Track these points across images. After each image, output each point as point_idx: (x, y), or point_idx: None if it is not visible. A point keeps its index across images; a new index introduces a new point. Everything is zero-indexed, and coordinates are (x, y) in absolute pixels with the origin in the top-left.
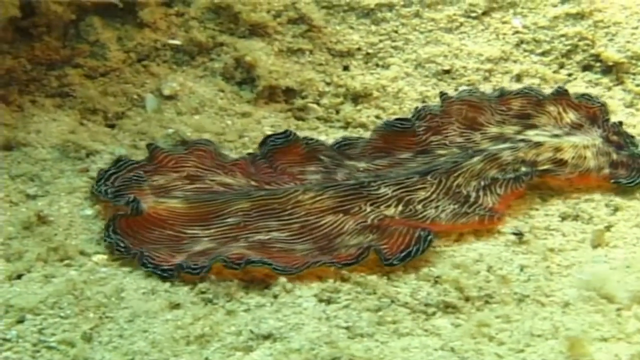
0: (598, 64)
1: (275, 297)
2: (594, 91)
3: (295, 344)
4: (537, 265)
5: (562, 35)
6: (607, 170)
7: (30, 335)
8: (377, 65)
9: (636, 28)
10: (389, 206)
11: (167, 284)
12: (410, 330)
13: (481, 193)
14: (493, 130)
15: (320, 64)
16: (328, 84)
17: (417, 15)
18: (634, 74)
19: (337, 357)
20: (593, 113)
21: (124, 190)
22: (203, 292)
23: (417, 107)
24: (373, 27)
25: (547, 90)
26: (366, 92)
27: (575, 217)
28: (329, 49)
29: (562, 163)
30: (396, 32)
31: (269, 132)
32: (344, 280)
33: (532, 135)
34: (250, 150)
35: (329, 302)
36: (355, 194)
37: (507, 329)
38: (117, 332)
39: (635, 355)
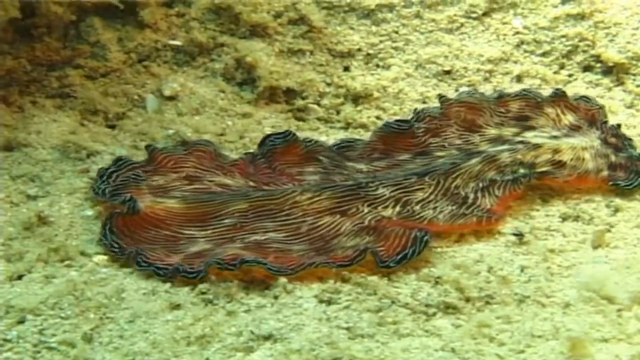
0: (598, 65)
1: (276, 297)
2: (594, 92)
3: (295, 344)
4: (537, 266)
5: (563, 36)
6: (605, 173)
7: (31, 336)
8: (378, 65)
9: (637, 29)
10: (386, 207)
11: (168, 285)
12: (410, 330)
13: (479, 194)
14: (492, 132)
15: (321, 65)
16: (328, 84)
17: (417, 15)
18: (634, 74)
19: (338, 357)
20: (591, 115)
21: (122, 190)
22: (203, 293)
23: (416, 109)
24: (373, 28)
25: (548, 90)
26: (367, 92)
27: (576, 218)
28: (330, 50)
29: (560, 165)
30: (397, 32)
31: (270, 133)
32: (345, 281)
33: (530, 137)
34: (251, 151)
35: (329, 302)
36: (352, 194)
37: (508, 329)
38: (117, 333)
39: (636, 356)
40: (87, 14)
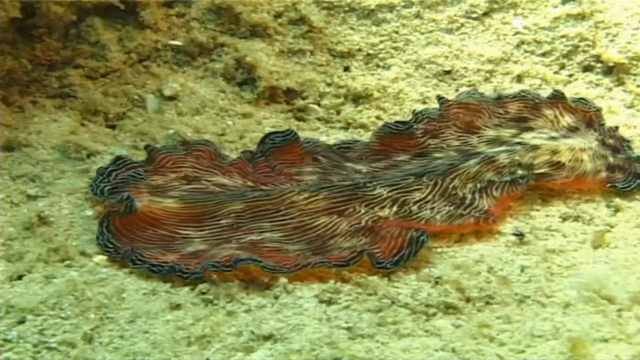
0: (599, 65)
1: (276, 297)
2: (594, 92)
3: (295, 344)
4: (537, 266)
5: (563, 36)
6: (603, 174)
7: (31, 336)
8: (378, 66)
9: (637, 29)
10: (383, 207)
11: (168, 285)
12: (411, 331)
13: (477, 195)
14: (490, 133)
15: (321, 65)
16: (329, 84)
17: (417, 16)
18: (634, 74)
19: (338, 357)
20: (589, 117)
21: (120, 188)
22: (204, 293)
23: (414, 111)
24: (374, 28)
25: (548, 90)
26: (367, 92)
27: (576, 218)
28: (330, 50)
29: (559, 166)
30: (397, 32)
31: (271, 131)
32: (345, 281)
33: (528, 138)
34: (251, 149)
35: (329, 302)
36: (350, 195)
37: (508, 329)
38: (117, 333)
39: (636, 356)
40: (88, 14)
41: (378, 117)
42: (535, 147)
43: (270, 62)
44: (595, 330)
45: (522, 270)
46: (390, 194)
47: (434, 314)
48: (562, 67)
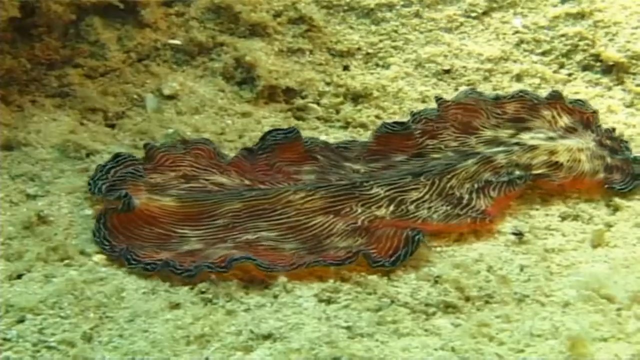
0: (598, 64)
1: (275, 297)
2: (594, 91)
3: (295, 343)
4: (537, 265)
5: (562, 35)
6: (601, 175)
7: (31, 335)
8: (377, 65)
9: (636, 28)
10: (380, 206)
11: (167, 284)
12: (410, 330)
13: (474, 195)
14: (488, 133)
15: (320, 64)
16: (328, 83)
17: (417, 15)
18: (634, 73)
19: (337, 357)
20: (587, 118)
21: (118, 186)
22: (203, 292)
23: (413, 111)
24: (373, 27)
25: (547, 90)
26: (366, 92)
27: (575, 217)
28: (329, 49)
29: (557, 166)
30: (396, 32)
31: (273, 128)
32: (344, 280)
33: (526, 138)
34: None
35: (329, 302)
36: (346, 194)
37: (507, 328)
38: (117, 332)
39: (636, 355)
40: (87, 13)
41: (377, 116)
42: (533, 148)
43: (269, 61)
44: (594, 329)
45: (522, 270)
46: (387, 194)
47: (434, 313)
48: (562, 66)
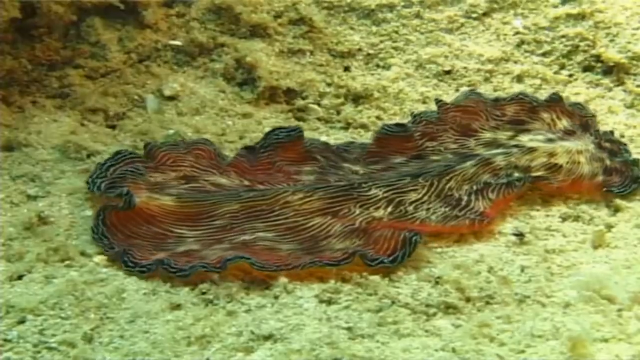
0: (599, 65)
1: (276, 297)
2: (594, 92)
3: (296, 344)
4: (537, 266)
5: (563, 36)
6: (600, 177)
7: (31, 336)
8: (378, 66)
9: (637, 29)
10: (378, 208)
11: (168, 285)
12: (411, 330)
13: (473, 197)
14: (487, 135)
15: (321, 65)
16: (329, 84)
17: (417, 15)
18: (634, 74)
19: (338, 357)
20: (585, 121)
21: (119, 183)
22: (204, 293)
23: (413, 113)
24: (374, 28)
25: (548, 91)
26: (367, 92)
27: (576, 218)
28: (330, 50)
29: (556, 168)
30: (397, 32)
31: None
32: (345, 281)
33: (525, 140)
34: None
35: (329, 302)
36: (345, 195)
37: (508, 329)
38: (117, 333)
39: (636, 356)
40: (88, 14)
41: (378, 117)
42: (532, 150)
43: (270, 62)
44: (595, 330)
45: (522, 270)
46: (385, 195)
47: (434, 314)
48: (562, 67)
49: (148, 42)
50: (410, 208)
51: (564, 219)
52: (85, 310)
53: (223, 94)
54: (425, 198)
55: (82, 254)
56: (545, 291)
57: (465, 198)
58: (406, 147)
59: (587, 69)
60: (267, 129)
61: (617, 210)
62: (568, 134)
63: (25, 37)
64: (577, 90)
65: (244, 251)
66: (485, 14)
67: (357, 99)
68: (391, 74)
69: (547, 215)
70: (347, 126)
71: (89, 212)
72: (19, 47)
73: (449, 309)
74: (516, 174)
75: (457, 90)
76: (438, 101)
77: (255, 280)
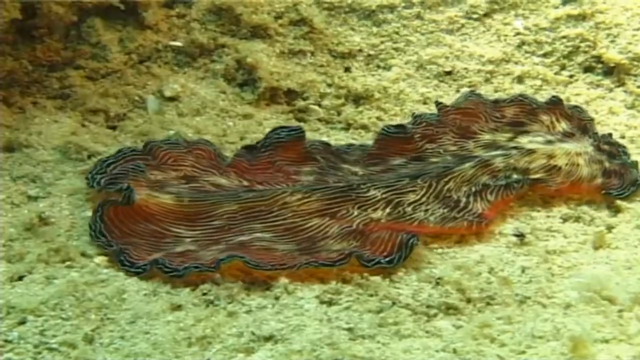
0: (599, 66)
1: (277, 298)
2: (595, 92)
3: (296, 345)
4: (538, 267)
5: (564, 37)
6: (599, 180)
7: (32, 337)
8: (379, 66)
9: (638, 29)
10: (376, 209)
11: (169, 286)
12: (411, 331)
13: (471, 198)
14: (486, 137)
15: (322, 66)
16: (329, 85)
17: (418, 16)
18: (635, 75)
19: (339, 358)
20: (584, 123)
21: (119, 179)
22: (204, 294)
23: (413, 114)
24: (374, 29)
25: (549, 91)
26: (367, 93)
27: (577, 219)
28: (330, 51)
29: (555, 170)
30: (397, 33)
31: (278, 126)
32: (346, 281)
33: (524, 142)
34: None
35: (330, 303)
36: (343, 196)
37: (509, 330)
38: (118, 334)
39: (637, 357)
40: (88, 14)
41: (379, 118)
42: (531, 152)
43: (270, 63)
44: (596, 330)
45: (523, 271)
46: (384, 196)
47: (435, 315)
48: (563, 67)
49: (149, 43)
50: (409, 209)
51: (565, 219)
52: (86, 311)
53: (224, 94)
54: (424, 199)
55: (83, 254)
56: (546, 292)
57: (463, 199)
58: (406, 149)
59: (587, 69)
60: (267, 130)
61: (617, 211)
62: (567, 136)
63: (26, 38)
64: (578, 91)
65: (240, 251)
66: (485, 15)
67: (358, 99)
68: (392, 75)
69: (548, 216)
70: (347, 127)
71: (90, 213)
72: (20, 48)
73: (449, 309)
74: (515, 176)
75: (457, 91)
76: (438, 103)
77: (256, 281)
